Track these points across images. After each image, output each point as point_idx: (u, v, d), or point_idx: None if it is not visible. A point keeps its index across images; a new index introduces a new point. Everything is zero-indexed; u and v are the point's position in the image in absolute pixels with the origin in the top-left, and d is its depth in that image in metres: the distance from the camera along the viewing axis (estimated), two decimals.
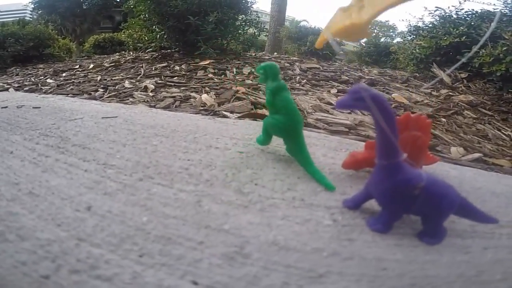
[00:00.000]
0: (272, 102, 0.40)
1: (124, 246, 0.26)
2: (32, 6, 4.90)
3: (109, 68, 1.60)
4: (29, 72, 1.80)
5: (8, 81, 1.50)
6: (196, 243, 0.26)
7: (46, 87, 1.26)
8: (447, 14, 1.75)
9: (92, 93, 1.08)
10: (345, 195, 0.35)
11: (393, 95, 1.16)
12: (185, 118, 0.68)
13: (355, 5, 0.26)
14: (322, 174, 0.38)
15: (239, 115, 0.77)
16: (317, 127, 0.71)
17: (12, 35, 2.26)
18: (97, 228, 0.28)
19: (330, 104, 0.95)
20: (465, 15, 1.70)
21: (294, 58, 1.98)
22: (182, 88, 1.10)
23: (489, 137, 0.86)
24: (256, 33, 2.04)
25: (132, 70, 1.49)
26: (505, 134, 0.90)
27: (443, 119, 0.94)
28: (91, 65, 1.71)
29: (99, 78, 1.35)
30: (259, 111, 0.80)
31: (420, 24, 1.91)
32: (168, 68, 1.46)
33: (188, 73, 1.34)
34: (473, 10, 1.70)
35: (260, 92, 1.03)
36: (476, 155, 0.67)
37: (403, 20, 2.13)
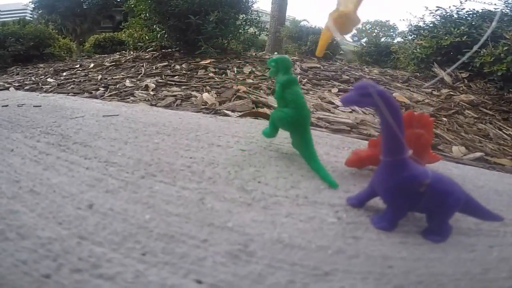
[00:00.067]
0: (282, 95, 0.40)
1: (127, 244, 0.25)
2: (33, 5, 4.90)
3: (110, 68, 1.60)
4: (30, 71, 1.80)
5: (9, 81, 1.49)
6: (200, 241, 0.26)
7: (46, 86, 1.26)
8: (448, 13, 1.75)
9: (93, 92, 1.07)
10: (348, 192, 0.35)
11: (394, 94, 1.16)
12: (187, 116, 0.67)
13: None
14: (326, 171, 0.37)
15: (240, 113, 0.77)
16: (319, 126, 0.71)
17: (13, 35, 2.26)
18: (99, 226, 0.27)
19: (332, 103, 0.95)
20: (466, 15, 1.70)
21: (295, 57, 1.98)
22: (183, 87, 1.10)
23: (490, 136, 0.86)
24: (256, 33, 2.04)
25: (132, 69, 1.49)
26: (506, 134, 0.90)
27: (444, 119, 0.94)
28: (92, 65, 1.70)
29: (99, 77, 1.35)
30: (260, 110, 0.80)
31: (421, 23, 1.91)
32: (169, 67, 1.46)
33: (189, 72, 1.34)
34: (474, 9, 1.70)
35: (261, 91, 1.02)
36: (478, 154, 0.67)
37: (403, 19, 2.13)
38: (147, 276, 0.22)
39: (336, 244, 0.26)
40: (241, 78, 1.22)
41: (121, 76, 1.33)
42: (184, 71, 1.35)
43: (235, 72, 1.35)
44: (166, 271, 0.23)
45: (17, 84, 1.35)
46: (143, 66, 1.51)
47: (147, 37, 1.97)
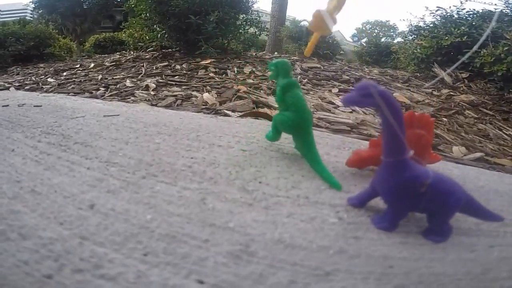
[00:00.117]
0: (282, 98, 0.40)
1: (128, 244, 0.25)
2: (33, 5, 4.90)
3: (110, 67, 1.60)
4: (30, 71, 1.80)
5: (9, 80, 1.49)
6: (201, 242, 0.26)
7: (47, 86, 1.26)
8: (448, 14, 1.75)
9: (93, 91, 1.07)
10: (349, 193, 0.35)
11: (394, 94, 1.16)
12: (187, 116, 0.67)
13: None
14: (329, 172, 0.37)
15: (240, 113, 0.77)
16: (319, 126, 0.71)
17: (13, 35, 2.26)
18: (101, 227, 0.27)
19: (332, 103, 0.95)
20: (466, 15, 1.70)
21: (295, 57, 1.98)
22: (184, 87, 1.10)
23: (490, 136, 0.86)
24: (256, 33, 2.04)
25: (133, 69, 1.49)
26: (506, 134, 0.90)
27: (445, 119, 0.94)
28: (92, 64, 1.70)
29: (100, 77, 1.35)
30: (261, 110, 0.80)
31: (421, 24, 1.91)
32: (169, 67, 1.46)
33: (189, 72, 1.34)
34: (474, 10, 1.70)
35: (261, 91, 1.02)
36: (478, 154, 0.67)
37: (404, 20, 2.13)
38: (149, 277, 0.22)
39: (337, 244, 0.27)
40: (241, 78, 1.22)
41: (122, 76, 1.33)
42: (184, 71, 1.35)
43: (236, 72, 1.35)
44: (167, 271, 0.23)
45: (17, 84, 1.35)
46: (143, 66, 1.51)
47: (147, 37, 1.97)
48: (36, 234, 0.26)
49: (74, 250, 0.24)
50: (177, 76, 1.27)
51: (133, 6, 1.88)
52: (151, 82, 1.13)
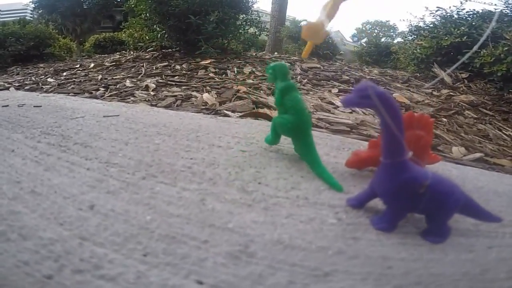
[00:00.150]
0: (281, 102, 0.40)
1: (128, 245, 0.25)
2: (33, 5, 4.90)
3: (110, 68, 1.60)
4: (30, 71, 1.80)
5: (9, 80, 1.49)
6: (201, 242, 0.26)
7: (46, 86, 1.26)
8: (448, 14, 1.75)
9: (93, 92, 1.07)
10: (348, 194, 0.35)
11: (394, 95, 1.16)
12: (187, 117, 0.67)
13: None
14: (330, 174, 0.38)
15: (240, 114, 0.77)
16: (319, 127, 0.71)
17: (13, 35, 2.26)
18: (100, 227, 0.27)
19: (332, 103, 0.95)
20: (466, 15, 1.70)
21: (295, 57, 1.98)
22: (183, 87, 1.10)
23: (490, 137, 0.86)
24: (256, 33, 2.04)
25: (133, 69, 1.49)
26: (506, 134, 0.90)
27: (444, 119, 0.94)
28: (92, 65, 1.70)
29: (100, 77, 1.35)
30: (261, 110, 0.80)
31: (421, 24, 1.91)
32: (169, 67, 1.46)
33: (189, 72, 1.34)
34: (474, 10, 1.70)
35: (261, 91, 1.02)
36: (478, 155, 0.67)
37: (404, 20, 2.13)
38: (149, 277, 0.23)
39: (336, 245, 0.27)
40: (241, 79, 1.22)
41: (121, 76, 1.33)
42: (184, 71, 1.35)
43: (235, 72, 1.35)
44: (167, 271, 0.23)
45: (17, 84, 1.35)
46: (143, 66, 1.51)
47: (147, 37, 1.97)
48: (36, 234, 0.26)
49: (74, 250, 0.25)
50: (177, 76, 1.27)
51: (133, 6, 1.88)
52: (151, 82, 1.13)
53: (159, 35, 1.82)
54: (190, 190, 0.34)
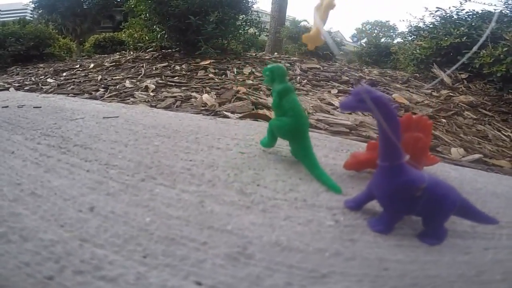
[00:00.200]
0: (279, 104, 0.40)
1: (128, 247, 0.26)
2: (33, 5, 4.89)
3: (110, 68, 1.60)
4: (30, 71, 1.80)
5: (9, 81, 1.49)
6: (199, 244, 0.26)
7: (46, 87, 1.26)
8: (448, 14, 1.75)
9: (93, 92, 1.08)
10: (346, 195, 0.35)
11: (393, 95, 1.16)
12: (186, 118, 0.68)
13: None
14: (328, 176, 0.38)
15: (240, 115, 0.77)
16: (318, 128, 0.71)
17: (13, 35, 2.26)
18: (101, 229, 0.28)
19: (331, 104, 0.95)
20: (465, 16, 1.70)
21: (295, 58, 1.98)
22: (183, 88, 1.10)
23: (489, 138, 0.86)
24: (256, 33, 2.04)
25: (132, 69, 1.49)
26: (505, 135, 0.91)
27: (444, 120, 0.94)
28: (92, 65, 1.71)
29: (99, 77, 1.35)
30: (260, 111, 0.80)
31: (420, 24, 1.91)
32: (169, 68, 1.46)
33: (189, 73, 1.34)
34: (474, 10, 1.70)
35: (260, 92, 1.03)
36: (476, 156, 0.67)
37: (403, 20, 2.13)
38: (148, 278, 0.23)
39: (333, 246, 0.27)
40: (240, 79, 1.22)
41: (121, 77, 1.33)
42: (184, 72, 1.35)
43: (235, 73, 1.36)
44: (166, 273, 0.23)
45: (17, 85, 1.35)
46: (143, 66, 1.52)
47: (147, 38, 1.97)
48: (37, 236, 0.27)
49: (75, 252, 0.25)
50: (177, 77, 1.27)
51: (132, 6, 1.88)
52: (150, 83, 1.13)
53: (159, 35, 1.82)
54: (189, 192, 0.34)
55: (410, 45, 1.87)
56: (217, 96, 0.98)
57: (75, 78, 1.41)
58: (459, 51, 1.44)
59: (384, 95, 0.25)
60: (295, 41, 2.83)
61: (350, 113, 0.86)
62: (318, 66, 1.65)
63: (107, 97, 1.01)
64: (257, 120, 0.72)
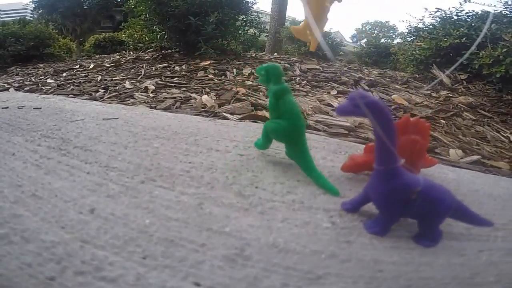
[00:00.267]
0: (276, 105, 0.38)
1: (128, 248, 0.26)
2: (33, 5, 4.89)
3: (110, 68, 1.60)
4: (30, 71, 1.80)
5: (9, 81, 1.50)
6: (198, 245, 0.27)
7: (46, 87, 1.26)
8: (448, 15, 1.75)
9: (93, 93, 1.08)
10: (344, 198, 0.35)
11: (392, 96, 1.17)
12: (186, 120, 0.68)
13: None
14: (325, 178, 0.37)
15: (239, 116, 0.77)
16: (317, 129, 0.71)
17: (13, 35, 2.27)
18: (101, 231, 0.28)
19: (330, 105, 0.95)
20: (465, 17, 1.70)
21: (294, 58, 1.98)
22: (183, 89, 1.11)
23: (488, 139, 0.86)
24: (256, 34, 2.04)
25: (132, 70, 1.49)
26: (504, 136, 0.91)
27: (443, 121, 0.95)
28: (92, 65, 1.71)
29: (99, 78, 1.35)
30: (260, 113, 0.80)
31: (420, 25, 1.91)
32: (169, 68, 1.47)
33: (189, 73, 1.34)
34: (473, 11, 1.71)
35: (260, 93, 1.03)
36: (475, 157, 0.68)
37: (403, 21, 2.13)
38: (148, 279, 0.23)
39: (330, 248, 0.27)
40: (240, 80, 1.23)
41: (121, 77, 1.34)
42: (183, 73, 1.36)
43: (235, 73, 1.36)
44: (166, 274, 0.24)
45: (17, 85, 1.35)
46: (142, 67, 1.52)
47: (147, 38, 1.98)
48: (39, 237, 0.27)
49: (76, 253, 0.25)
50: (176, 78, 1.27)
51: (133, 6, 1.88)
52: (150, 84, 1.14)
53: (158, 36, 1.82)
54: (188, 194, 0.35)
55: (409, 46, 1.87)
56: (216, 97, 0.98)
57: (75, 79, 1.41)
58: (458, 52, 1.44)
59: (379, 100, 0.25)
60: (294, 42, 2.83)
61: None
62: (317, 66, 1.65)
63: (107, 98, 1.01)
64: (256, 122, 0.72)
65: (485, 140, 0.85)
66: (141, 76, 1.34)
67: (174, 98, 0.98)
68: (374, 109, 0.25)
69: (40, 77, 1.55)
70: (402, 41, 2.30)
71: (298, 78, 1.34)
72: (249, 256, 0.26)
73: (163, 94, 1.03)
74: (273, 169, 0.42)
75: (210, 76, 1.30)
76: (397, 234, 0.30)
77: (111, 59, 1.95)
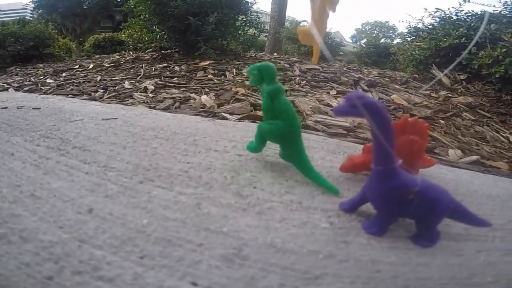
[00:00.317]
0: (271, 106, 0.37)
1: (125, 248, 0.26)
2: (33, 5, 4.89)
3: (109, 68, 1.60)
4: (29, 71, 1.81)
5: (8, 81, 1.50)
6: (196, 245, 0.27)
7: (46, 87, 1.26)
8: (447, 15, 1.75)
9: (92, 93, 1.08)
10: (342, 198, 0.36)
11: (392, 96, 1.17)
12: (185, 120, 0.68)
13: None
14: (324, 178, 0.37)
15: (238, 116, 0.77)
16: (316, 129, 0.72)
17: (12, 35, 2.27)
18: (99, 230, 0.28)
19: (329, 106, 0.96)
20: (464, 17, 1.70)
21: (294, 58, 1.98)
22: (182, 89, 1.11)
23: (487, 139, 0.86)
24: (256, 34, 2.04)
25: (132, 70, 1.49)
26: (503, 136, 0.91)
27: (442, 121, 0.95)
28: (91, 65, 1.71)
29: (99, 78, 1.36)
30: (259, 113, 0.80)
31: (420, 25, 1.92)
32: (168, 68, 1.47)
33: (188, 73, 1.35)
34: (473, 11, 1.71)
35: (259, 93, 1.03)
36: (474, 157, 0.68)
37: (403, 21, 2.14)
38: (145, 278, 0.23)
39: (327, 248, 0.27)
40: (240, 80, 1.23)
41: (120, 77, 1.34)
42: (183, 73, 1.36)
43: (234, 73, 1.36)
44: (163, 273, 0.24)
45: (16, 85, 1.35)
46: (142, 67, 1.52)
47: (146, 38, 1.98)
48: (37, 237, 0.27)
49: (74, 253, 0.25)
50: (176, 78, 1.27)
51: (132, 7, 1.89)
52: (149, 84, 1.14)
53: (158, 36, 1.82)
54: (187, 195, 0.35)
55: (409, 46, 1.87)
56: (216, 97, 0.98)
57: (74, 79, 1.41)
58: (458, 52, 1.44)
59: (377, 100, 0.25)
60: (294, 42, 2.83)
61: None
62: (317, 67, 1.65)
63: (106, 98, 1.02)
64: (255, 122, 0.72)
65: (484, 140, 0.85)
66: (140, 76, 1.34)
67: (174, 98, 0.98)
68: (371, 109, 0.25)
69: (40, 77, 1.55)
70: (401, 41, 2.30)
71: (297, 78, 1.34)
72: (246, 256, 0.26)
73: (163, 94, 1.03)
74: (271, 169, 0.42)
75: (210, 76, 1.30)
76: (395, 234, 0.30)
77: (111, 59, 1.95)
